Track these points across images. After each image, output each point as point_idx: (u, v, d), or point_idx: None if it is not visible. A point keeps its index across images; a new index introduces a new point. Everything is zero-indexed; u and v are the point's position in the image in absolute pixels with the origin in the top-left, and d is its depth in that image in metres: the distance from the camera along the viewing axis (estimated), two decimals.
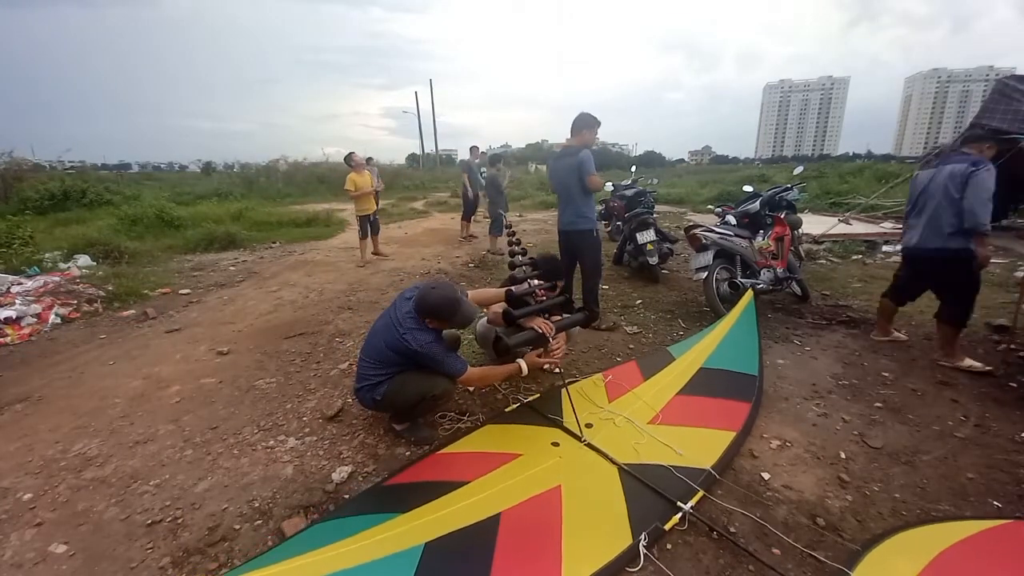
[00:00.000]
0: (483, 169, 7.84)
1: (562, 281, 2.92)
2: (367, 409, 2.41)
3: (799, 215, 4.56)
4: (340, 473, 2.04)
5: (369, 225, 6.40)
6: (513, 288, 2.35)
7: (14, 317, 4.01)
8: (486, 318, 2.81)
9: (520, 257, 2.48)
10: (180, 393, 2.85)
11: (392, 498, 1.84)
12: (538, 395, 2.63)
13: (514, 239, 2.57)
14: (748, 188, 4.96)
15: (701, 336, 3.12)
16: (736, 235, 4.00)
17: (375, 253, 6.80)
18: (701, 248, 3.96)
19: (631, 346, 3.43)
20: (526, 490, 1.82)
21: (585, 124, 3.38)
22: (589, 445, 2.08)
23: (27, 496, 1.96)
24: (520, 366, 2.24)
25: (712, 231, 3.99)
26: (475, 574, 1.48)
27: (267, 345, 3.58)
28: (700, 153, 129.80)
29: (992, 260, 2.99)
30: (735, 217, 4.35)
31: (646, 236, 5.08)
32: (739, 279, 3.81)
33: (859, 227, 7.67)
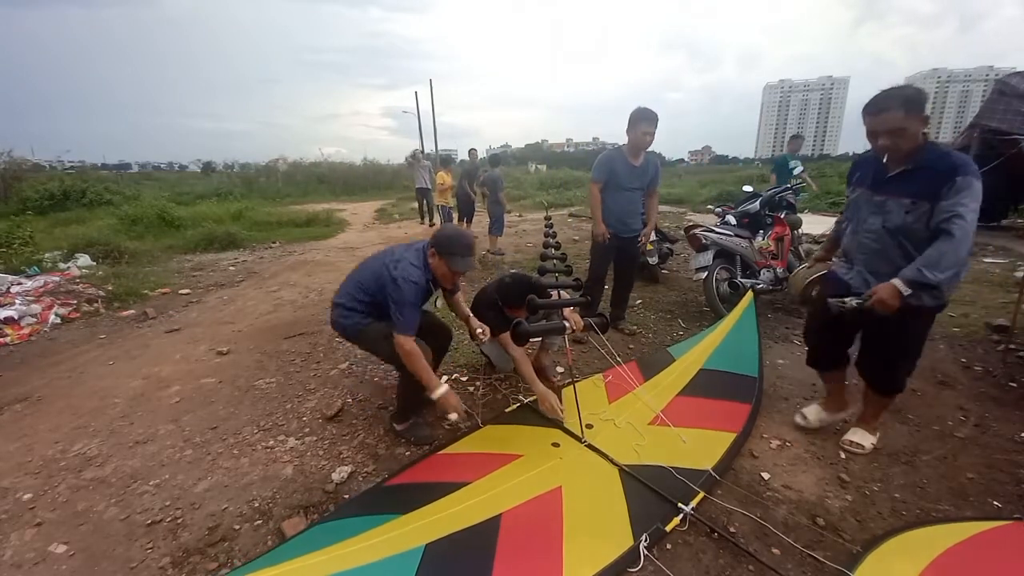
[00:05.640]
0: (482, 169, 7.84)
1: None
2: (337, 333, 2.33)
3: (799, 215, 4.56)
4: (340, 473, 2.04)
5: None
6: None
7: (14, 317, 4.00)
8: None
9: (553, 251, 2.41)
10: (180, 393, 2.85)
11: (392, 499, 1.83)
12: None
13: (550, 231, 2.47)
14: (748, 188, 4.95)
15: (701, 337, 3.12)
16: (736, 235, 3.99)
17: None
18: (701, 248, 3.96)
19: (631, 346, 3.44)
20: (527, 491, 1.81)
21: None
22: (589, 446, 2.08)
23: (27, 496, 1.96)
24: (440, 388, 2.04)
25: (712, 231, 3.98)
26: (476, 575, 1.48)
27: (267, 345, 3.58)
28: (700, 153, 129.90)
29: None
30: (735, 217, 4.34)
31: None
32: (739, 279, 3.81)
33: None
